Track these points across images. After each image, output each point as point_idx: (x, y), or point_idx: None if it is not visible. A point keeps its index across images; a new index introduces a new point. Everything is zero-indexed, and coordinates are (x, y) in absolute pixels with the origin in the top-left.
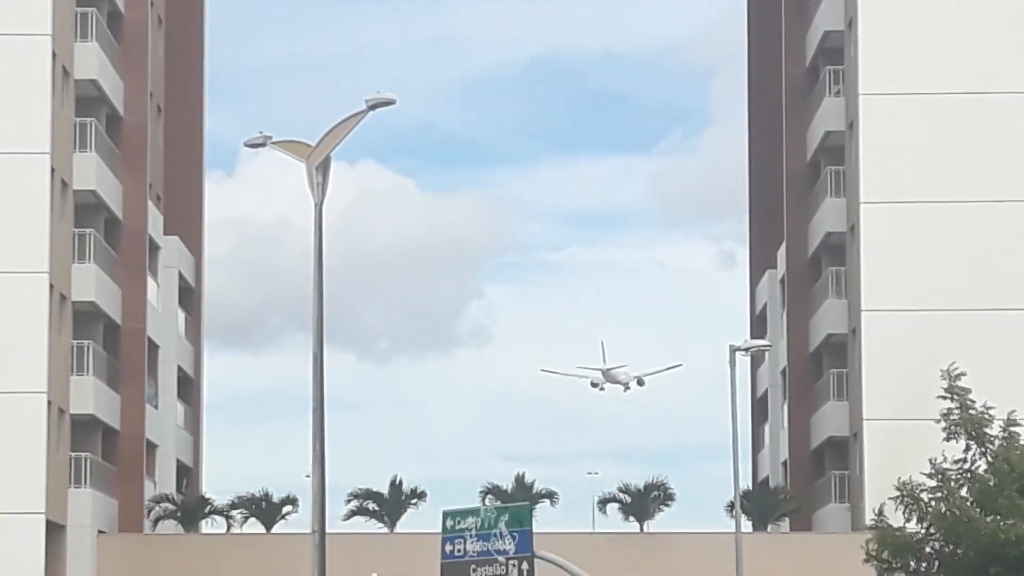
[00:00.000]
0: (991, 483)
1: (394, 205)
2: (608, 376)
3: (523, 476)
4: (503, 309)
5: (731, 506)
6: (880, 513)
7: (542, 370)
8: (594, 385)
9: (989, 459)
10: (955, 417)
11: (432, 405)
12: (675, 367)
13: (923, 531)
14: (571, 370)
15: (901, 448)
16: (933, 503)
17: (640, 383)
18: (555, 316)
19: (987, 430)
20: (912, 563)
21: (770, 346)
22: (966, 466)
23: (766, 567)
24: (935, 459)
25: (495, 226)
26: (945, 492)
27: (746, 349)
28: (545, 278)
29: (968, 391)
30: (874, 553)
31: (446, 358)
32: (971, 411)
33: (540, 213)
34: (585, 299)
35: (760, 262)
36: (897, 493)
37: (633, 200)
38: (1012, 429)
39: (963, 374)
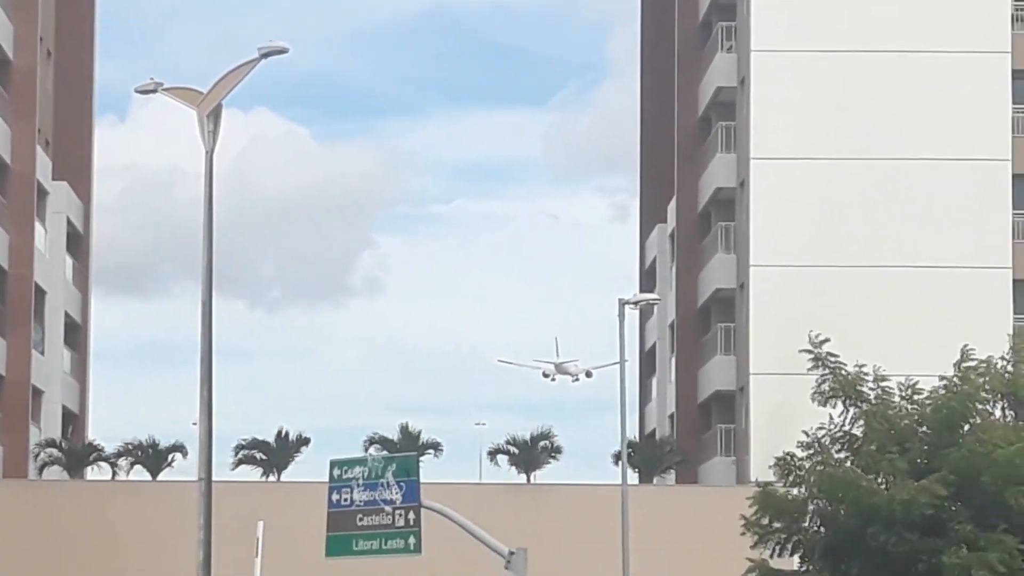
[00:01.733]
0: (872, 445)
1: (287, 153)
2: (560, 369)
3: (408, 426)
4: (395, 260)
5: (617, 458)
6: (764, 484)
7: (499, 360)
8: (546, 376)
9: (867, 420)
10: (827, 384)
11: (322, 355)
12: (624, 362)
13: (804, 494)
14: (525, 361)
15: (787, 402)
16: (811, 467)
17: (588, 375)
18: (446, 268)
19: (861, 389)
20: (792, 526)
21: (659, 300)
22: (845, 428)
23: (652, 519)
24: (809, 429)
25: (388, 177)
26: (822, 457)
27: (635, 302)
28: (436, 229)
29: (836, 355)
30: (755, 517)
31: (338, 308)
32: (843, 373)
33: (433, 164)
34: (476, 251)
35: (650, 216)
36: (776, 464)
37: (526, 153)
38: (883, 385)
39: (827, 340)
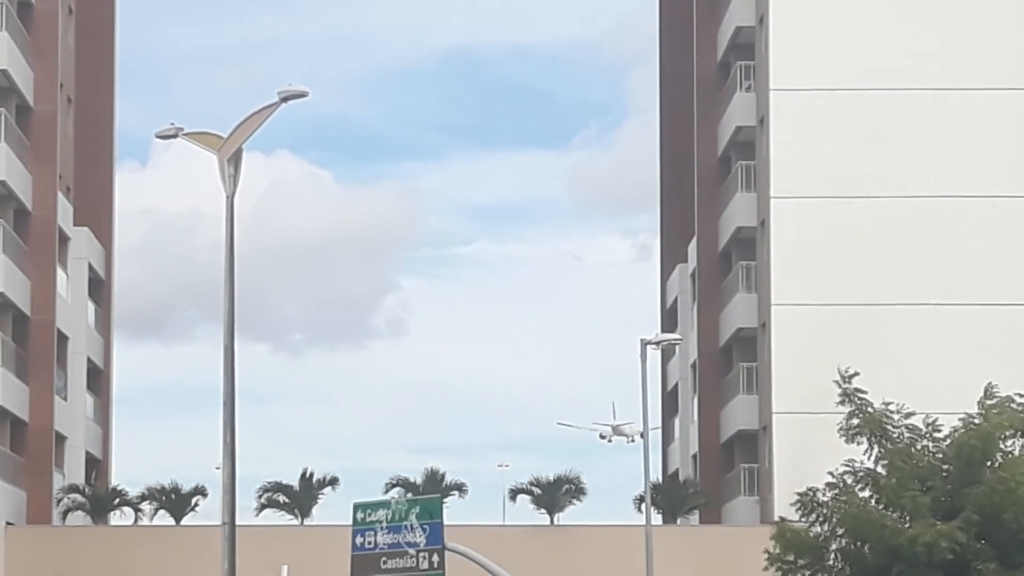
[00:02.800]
0: (892, 481)
1: (308, 196)
2: (617, 431)
3: (433, 469)
4: (418, 302)
5: (641, 499)
6: (783, 520)
7: (558, 423)
8: (602, 437)
9: (890, 458)
10: (855, 420)
11: (344, 397)
12: (649, 430)
13: (828, 531)
14: (584, 424)
15: (810, 441)
16: (835, 505)
17: (643, 436)
18: (468, 309)
19: (887, 427)
20: (816, 563)
21: (680, 340)
22: (868, 465)
23: (676, 559)
24: (835, 470)
25: (409, 219)
26: (846, 497)
27: (657, 343)
28: (458, 271)
29: (864, 392)
30: (777, 554)
31: (360, 350)
32: (869, 411)
33: (454, 207)
34: (498, 292)
35: (671, 256)
36: (798, 500)
37: (548, 194)
38: (908, 423)
39: (856, 374)
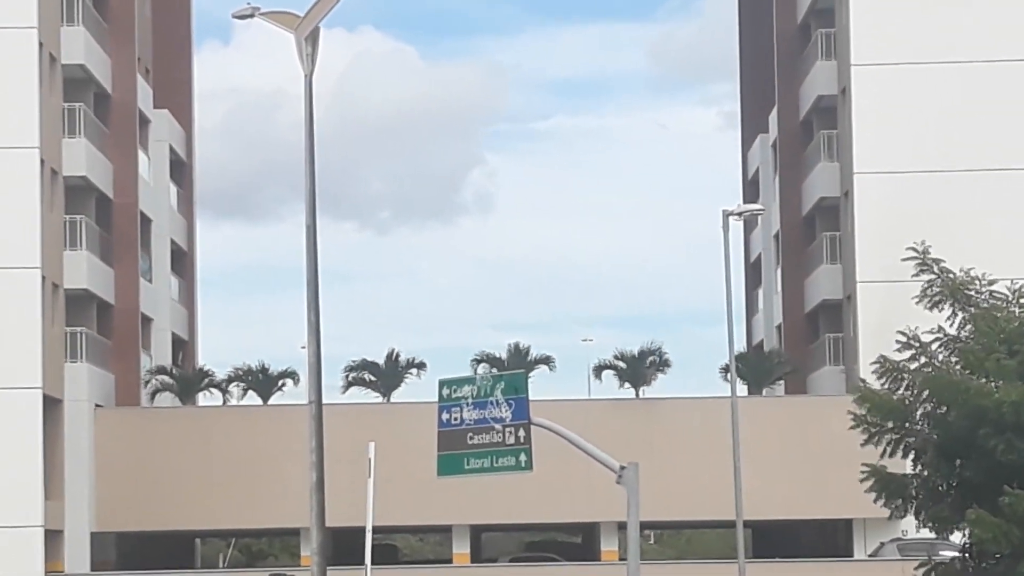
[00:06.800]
0: (976, 345)
1: (392, 72)
2: None
3: (518, 345)
4: (504, 177)
5: (726, 370)
6: (864, 382)
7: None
8: None
9: (975, 322)
10: (936, 288)
11: (431, 274)
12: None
13: (912, 396)
14: None
15: (894, 309)
16: (918, 368)
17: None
18: (552, 183)
19: (969, 292)
20: (902, 427)
21: (763, 210)
22: (952, 331)
23: (761, 430)
24: (909, 327)
25: (493, 94)
26: (927, 358)
27: (739, 213)
28: (542, 145)
29: (943, 260)
30: (864, 414)
31: (448, 227)
32: (950, 276)
33: (538, 81)
34: (583, 166)
35: (753, 127)
36: (877, 363)
37: (630, 67)
38: (991, 289)
39: (930, 247)
